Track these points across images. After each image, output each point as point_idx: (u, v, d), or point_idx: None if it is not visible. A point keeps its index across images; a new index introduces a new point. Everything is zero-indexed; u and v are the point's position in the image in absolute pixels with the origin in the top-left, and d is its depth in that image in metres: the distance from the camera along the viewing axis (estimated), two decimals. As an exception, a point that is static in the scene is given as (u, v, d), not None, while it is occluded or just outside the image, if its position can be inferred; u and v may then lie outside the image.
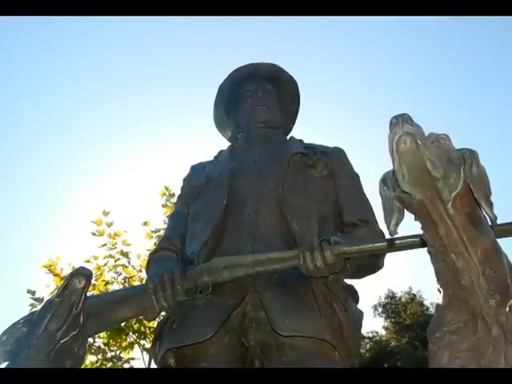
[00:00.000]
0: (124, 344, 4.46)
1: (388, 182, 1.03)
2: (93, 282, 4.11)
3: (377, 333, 16.08)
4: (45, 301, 1.31)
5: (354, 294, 1.50)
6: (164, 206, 5.01)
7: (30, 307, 4.21)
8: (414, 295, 16.38)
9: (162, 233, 4.38)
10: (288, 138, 1.85)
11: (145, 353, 4.43)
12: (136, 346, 4.48)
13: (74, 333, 1.21)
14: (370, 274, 1.55)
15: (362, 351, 1.58)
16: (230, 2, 1.82)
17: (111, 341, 4.42)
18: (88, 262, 4.65)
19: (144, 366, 4.40)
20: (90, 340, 4.12)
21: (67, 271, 4.39)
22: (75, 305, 1.22)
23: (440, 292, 1.03)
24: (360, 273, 1.51)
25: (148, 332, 4.42)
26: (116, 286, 4.57)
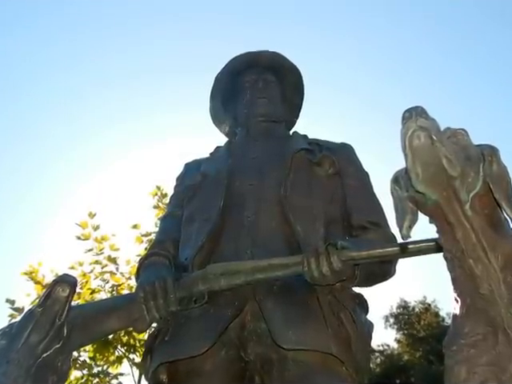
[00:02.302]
0: (112, 358, 4.46)
1: (400, 181, 1.03)
2: (78, 290, 4.11)
3: (388, 346, 16.10)
4: (25, 311, 1.31)
5: (363, 304, 1.50)
6: (155, 207, 5.02)
7: (9, 318, 4.22)
8: (429, 305, 16.41)
9: (153, 237, 4.38)
10: (291, 132, 1.85)
11: (134, 368, 4.44)
12: (125, 360, 4.49)
13: (58, 346, 1.21)
14: (380, 281, 1.55)
15: (371, 366, 1.58)
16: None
17: (98, 355, 4.42)
18: (72, 268, 4.66)
19: (134, 383, 4.40)
20: (75, 354, 4.11)
21: (50, 279, 4.39)
22: (58, 315, 1.22)
23: (457, 301, 1.03)
24: (370, 280, 1.51)
25: (138, 345, 4.43)
26: (103, 295, 4.57)
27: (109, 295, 4.52)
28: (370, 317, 1.51)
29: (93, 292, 4.58)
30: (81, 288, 4.50)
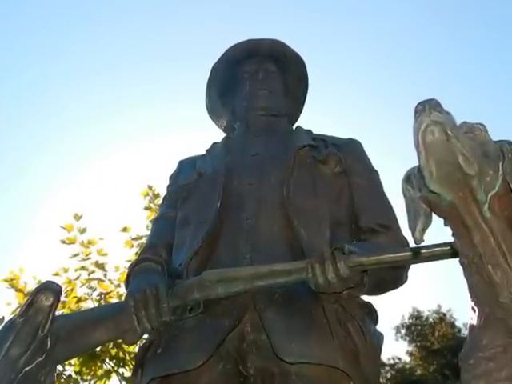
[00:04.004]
0: (99, 372, 4.46)
1: (413, 180, 1.03)
2: (62, 298, 4.11)
3: (399, 359, 16.12)
4: (5, 321, 1.31)
5: (372, 313, 1.51)
6: (147, 208, 5.02)
7: (-12, 329, 4.21)
8: (444, 314, 16.42)
9: (144, 240, 4.38)
10: (294, 127, 1.85)
11: (124, 383, 4.44)
12: (114, 374, 4.49)
13: (40, 359, 1.21)
14: (391, 289, 1.56)
15: (381, 381, 1.58)
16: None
17: (84, 369, 4.42)
18: (57, 275, 4.66)
19: (123, 399, 4.40)
20: (59, 368, 4.12)
21: (32, 286, 4.40)
22: (41, 326, 1.22)
23: (474, 311, 1.03)
24: (380, 288, 1.51)
25: (128, 358, 4.43)
26: (90, 304, 4.57)
27: (96, 304, 4.52)
28: (379, 327, 1.51)
29: (79, 300, 4.58)
30: (66, 296, 4.51)
